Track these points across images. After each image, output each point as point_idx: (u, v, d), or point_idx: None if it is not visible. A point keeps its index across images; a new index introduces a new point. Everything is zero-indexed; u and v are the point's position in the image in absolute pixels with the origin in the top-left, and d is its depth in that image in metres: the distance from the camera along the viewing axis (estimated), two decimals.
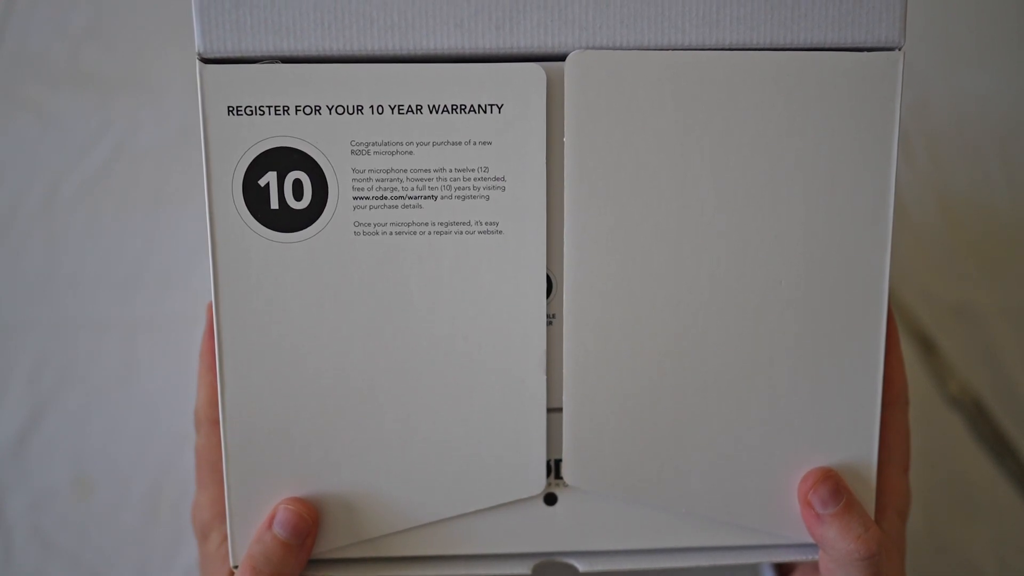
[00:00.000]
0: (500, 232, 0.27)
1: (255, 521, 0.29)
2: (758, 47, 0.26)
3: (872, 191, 0.28)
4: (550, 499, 0.30)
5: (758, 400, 0.29)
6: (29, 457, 0.45)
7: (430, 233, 0.27)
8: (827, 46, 0.27)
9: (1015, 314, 0.49)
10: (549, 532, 0.30)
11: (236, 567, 0.30)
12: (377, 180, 0.26)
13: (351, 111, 0.26)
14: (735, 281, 0.28)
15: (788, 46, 0.27)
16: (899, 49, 0.27)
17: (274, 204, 0.27)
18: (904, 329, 0.48)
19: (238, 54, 0.26)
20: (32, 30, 0.56)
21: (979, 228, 0.51)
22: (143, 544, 0.45)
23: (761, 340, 0.28)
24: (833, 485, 0.29)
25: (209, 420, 0.32)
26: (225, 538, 0.30)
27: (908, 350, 0.48)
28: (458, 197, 0.27)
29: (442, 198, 0.27)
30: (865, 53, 0.26)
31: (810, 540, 0.30)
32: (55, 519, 0.45)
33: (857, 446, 0.30)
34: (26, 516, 0.44)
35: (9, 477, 0.45)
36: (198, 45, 0.26)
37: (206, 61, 0.26)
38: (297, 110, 0.26)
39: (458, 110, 0.26)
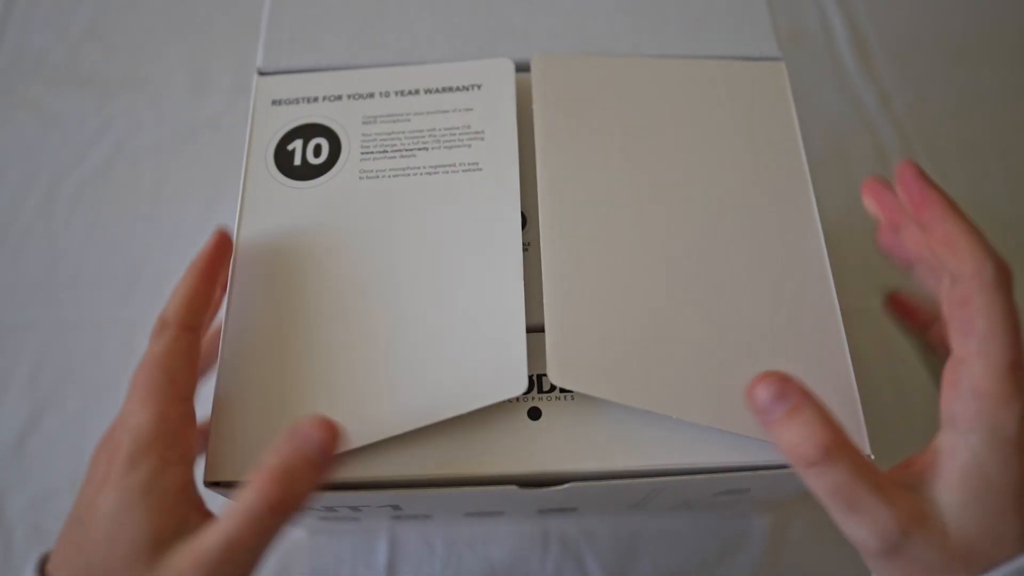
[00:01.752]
0: (480, 169, 0.33)
1: (239, 434, 0.28)
2: (676, 56, 0.36)
3: (784, 147, 0.34)
4: (534, 413, 0.30)
5: (727, 309, 0.31)
6: (29, 457, 0.45)
7: (421, 175, 0.33)
8: (727, 56, 0.36)
9: None
10: (533, 451, 0.29)
11: (214, 483, 0.28)
12: (381, 140, 0.34)
13: (365, 97, 0.35)
14: (686, 195, 0.33)
15: (699, 56, 0.36)
16: (781, 60, 0.36)
17: (297, 161, 0.34)
18: None
19: (286, 68, 0.36)
20: (32, 30, 0.56)
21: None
22: None
23: (719, 252, 0.31)
24: (777, 388, 0.25)
25: (180, 324, 0.29)
26: (165, 465, 0.27)
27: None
28: (445, 147, 0.34)
29: (433, 149, 0.34)
30: (755, 62, 0.36)
31: None
32: (55, 519, 0.45)
33: (827, 360, 0.30)
34: (26, 516, 0.44)
35: (9, 477, 0.45)
36: (259, 62, 0.36)
37: (262, 74, 0.36)
38: (324, 99, 0.35)
39: (447, 90, 0.35)
